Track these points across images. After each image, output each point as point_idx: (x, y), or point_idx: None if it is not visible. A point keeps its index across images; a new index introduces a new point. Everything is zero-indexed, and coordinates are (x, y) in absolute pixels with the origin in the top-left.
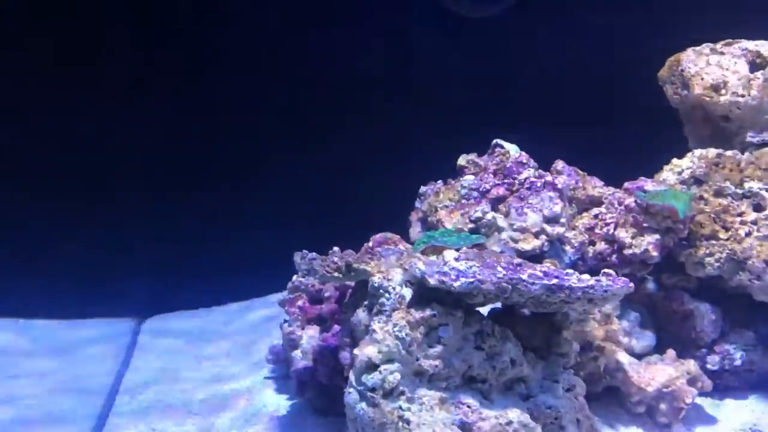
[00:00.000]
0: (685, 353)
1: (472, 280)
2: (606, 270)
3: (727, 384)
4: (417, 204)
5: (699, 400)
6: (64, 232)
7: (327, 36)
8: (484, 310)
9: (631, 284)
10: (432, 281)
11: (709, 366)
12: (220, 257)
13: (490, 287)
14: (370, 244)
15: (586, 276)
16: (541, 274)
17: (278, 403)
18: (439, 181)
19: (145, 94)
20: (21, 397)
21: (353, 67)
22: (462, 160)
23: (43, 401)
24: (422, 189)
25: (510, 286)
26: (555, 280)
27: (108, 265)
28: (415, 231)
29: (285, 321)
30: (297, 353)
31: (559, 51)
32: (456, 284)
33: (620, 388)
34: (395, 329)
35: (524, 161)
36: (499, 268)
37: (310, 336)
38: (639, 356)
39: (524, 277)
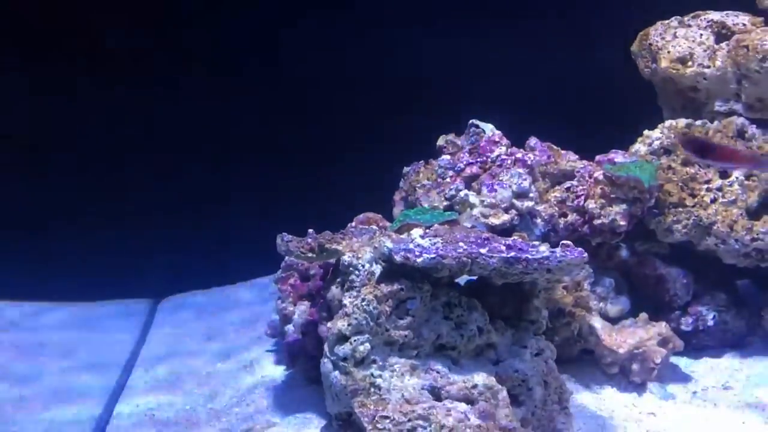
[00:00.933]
0: (660, 316)
1: (433, 255)
2: (564, 242)
3: (702, 343)
4: (401, 184)
5: (675, 360)
6: (86, 219)
7: (306, 20)
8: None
9: (585, 254)
10: (398, 258)
11: (682, 327)
12: (231, 239)
13: (451, 262)
14: (353, 223)
15: (543, 248)
16: (503, 248)
17: (275, 373)
18: (421, 161)
19: (158, 82)
20: (42, 372)
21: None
22: (441, 140)
23: (63, 376)
24: (405, 169)
25: (470, 260)
26: (513, 253)
27: (126, 249)
28: (398, 210)
29: (279, 298)
30: (289, 327)
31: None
32: (419, 260)
33: (594, 350)
34: (363, 303)
35: (497, 140)
36: (461, 244)
37: (301, 311)
38: (614, 320)
39: (483, 251)
